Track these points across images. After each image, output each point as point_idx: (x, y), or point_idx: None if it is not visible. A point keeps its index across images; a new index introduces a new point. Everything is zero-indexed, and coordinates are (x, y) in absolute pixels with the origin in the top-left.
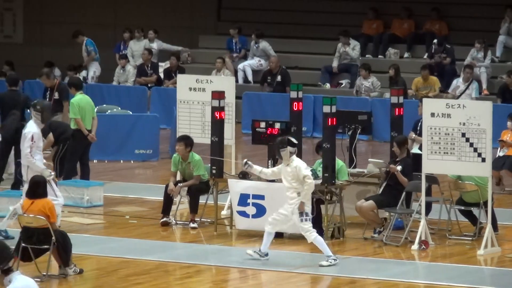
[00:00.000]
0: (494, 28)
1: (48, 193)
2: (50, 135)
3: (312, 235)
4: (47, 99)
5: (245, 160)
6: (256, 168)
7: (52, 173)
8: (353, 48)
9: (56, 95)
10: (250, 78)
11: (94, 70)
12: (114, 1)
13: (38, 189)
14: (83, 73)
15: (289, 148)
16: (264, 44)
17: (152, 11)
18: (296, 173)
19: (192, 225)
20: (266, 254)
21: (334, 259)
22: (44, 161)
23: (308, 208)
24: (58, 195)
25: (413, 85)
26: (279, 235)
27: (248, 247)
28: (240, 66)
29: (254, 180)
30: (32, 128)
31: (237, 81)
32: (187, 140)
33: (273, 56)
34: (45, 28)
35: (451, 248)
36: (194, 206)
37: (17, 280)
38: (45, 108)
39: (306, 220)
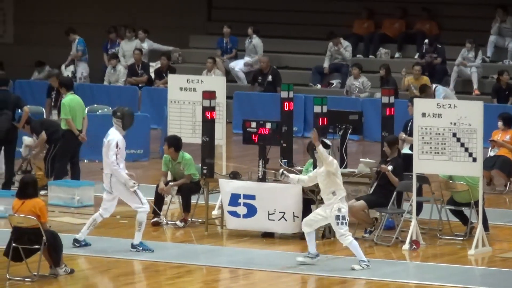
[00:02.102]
0: (485, 28)
1: (133, 201)
2: (43, 134)
3: (348, 239)
4: (53, 99)
5: (281, 170)
6: (293, 178)
7: (136, 184)
8: (345, 49)
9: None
10: (244, 82)
11: (82, 71)
12: (104, 1)
13: (27, 189)
14: (71, 67)
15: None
16: (256, 41)
17: (142, 10)
18: (329, 171)
19: (179, 223)
20: (317, 255)
21: (367, 265)
22: (126, 171)
23: (345, 211)
24: (143, 202)
25: (405, 81)
26: (269, 235)
27: (239, 247)
28: (232, 69)
29: (245, 180)
30: (115, 135)
31: (233, 80)
32: (171, 141)
33: (260, 55)
34: (35, 27)
35: (442, 248)
36: (186, 206)
37: None
38: (125, 114)
39: (342, 224)
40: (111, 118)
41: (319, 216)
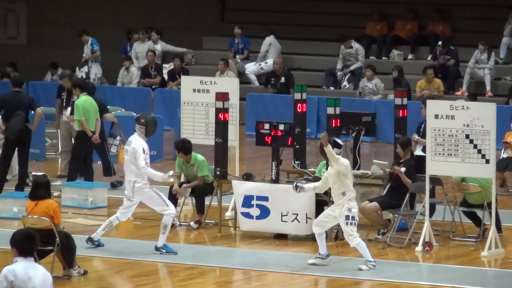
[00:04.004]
0: (498, 30)
1: (158, 204)
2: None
3: (356, 240)
4: (64, 100)
5: (295, 183)
6: (309, 187)
7: (171, 172)
8: (356, 51)
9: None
10: (256, 83)
11: (95, 72)
12: (117, 2)
13: (40, 190)
14: (84, 69)
15: (335, 150)
16: (265, 40)
17: (155, 12)
18: (339, 171)
19: (192, 224)
20: (328, 255)
21: (374, 265)
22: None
23: (355, 211)
24: (168, 204)
25: (417, 87)
26: (282, 237)
27: (252, 248)
28: (246, 70)
29: (258, 181)
30: (139, 142)
31: (246, 82)
32: (177, 146)
33: (273, 56)
34: (49, 29)
35: (454, 249)
36: (200, 207)
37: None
38: (149, 121)
39: (352, 224)
40: (134, 123)
41: (329, 216)
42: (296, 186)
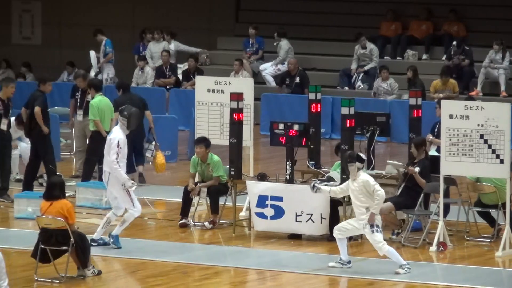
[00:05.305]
0: None
1: (125, 202)
2: None
3: (385, 248)
4: (78, 100)
5: (312, 183)
6: (325, 189)
7: (134, 184)
8: (371, 52)
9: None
10: (273, 85)
11: (108, 72)
12: (132, 2)
13: (54, 190)
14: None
15: (357, 164)
16: (282, 44)
17: (170, 12)
18: (364, 187)
19: (207, 224)
20: (349, 262)
21: (409, 267)
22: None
23: (378, 220)
24: (135, 205)
25: (431, 87)
26: (297, 237)
27: (266, 249)
28: (262, 72)
29: (273, 182)
30: (117, 134)
31: (261, 82)
32: (206, 142)
33: (290, 58)
34: (63, 29)
35: (469, 249)
36: (215, 207)
37: None
38: (132, 114)
39: (377, 231)
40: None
41: (352, 226)
42: (314, 186)
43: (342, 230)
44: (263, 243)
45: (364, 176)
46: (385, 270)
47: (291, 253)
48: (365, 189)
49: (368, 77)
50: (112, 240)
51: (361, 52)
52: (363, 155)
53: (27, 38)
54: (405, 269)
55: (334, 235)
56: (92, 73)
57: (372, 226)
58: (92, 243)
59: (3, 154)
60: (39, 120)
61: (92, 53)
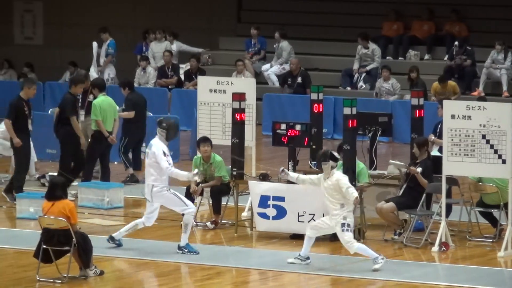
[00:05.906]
0: None
1: (177, 205)
2: None
3: (354, 245)
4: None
5: (281, 168)
6: (293, 175)
7: (197, 170)
8: (373, 53)
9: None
10: (276, 84)
11: (108, 73)
12: (133, 2)
13: (56, 191)
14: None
15: (331, 163)
16: (283, 45)
17: (171, 12)
18: (338, 186)
19: (209, 224)
20: (307, 258)
21: (382, 258)
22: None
23: (350, 220)
24: (187, 203)
25: (432, 89)
26: (299, 237)
27: (268, 249)
28: (265, 72)
29: (275, 182)
30: (159, 145)
31: (263, 82)
32: (210, 141)
33: (292, 58)
34: (65, 29)
35: (471, 250)
36: (217, 207)
37: None
38: (171, 126)
39: (347, 230)
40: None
41: (325, 224)
42: (283, 170)
43: (315, 229)
44: (265, 243)
45: (337, 174)
46: (387, 270)
47: (293, 253)
48: (339, 187)
49: (370, 77)
50: (187, 250)
51: (363, 52)
52: (337, 154)
53: (29, 38)
54: (379, 261)
55: (306, 232)
56: (92, 69)
57: (343, 225)
58: (110, 241)
59: (27, 153)
60: (75, 126)
61: (95, 44)
